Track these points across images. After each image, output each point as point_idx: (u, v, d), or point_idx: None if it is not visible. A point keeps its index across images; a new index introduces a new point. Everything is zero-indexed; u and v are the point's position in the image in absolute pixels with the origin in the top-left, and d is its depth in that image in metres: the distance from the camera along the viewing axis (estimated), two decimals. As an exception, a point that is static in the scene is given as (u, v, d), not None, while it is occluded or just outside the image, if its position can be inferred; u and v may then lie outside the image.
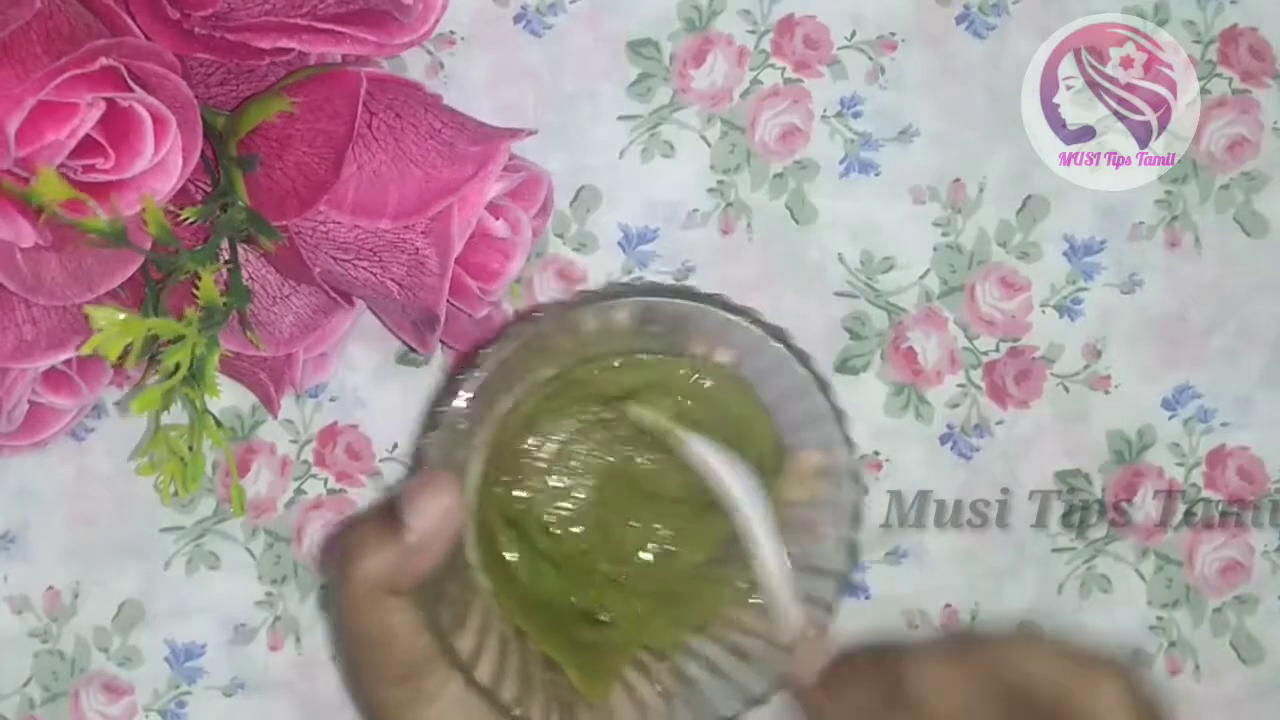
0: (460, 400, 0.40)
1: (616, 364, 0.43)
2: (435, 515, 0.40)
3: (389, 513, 0.40)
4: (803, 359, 0.41)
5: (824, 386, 0.41)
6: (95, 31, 0.45)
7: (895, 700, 0.39)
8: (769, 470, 0.43)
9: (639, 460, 0.44)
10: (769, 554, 0.42)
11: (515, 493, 0.44)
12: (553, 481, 0.44)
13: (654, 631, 0.44)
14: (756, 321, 0.41)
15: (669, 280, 0.56)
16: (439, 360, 0.56)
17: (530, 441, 0.44)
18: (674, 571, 0.44)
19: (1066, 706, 0.36)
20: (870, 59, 0.57)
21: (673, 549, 0.44)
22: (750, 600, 0.43)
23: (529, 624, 0.43)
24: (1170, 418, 0.58)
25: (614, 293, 0.41)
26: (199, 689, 0.56)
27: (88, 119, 0.44)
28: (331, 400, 0.56)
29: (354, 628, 0.41)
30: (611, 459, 0.44)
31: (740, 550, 0.43)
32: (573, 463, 0.44)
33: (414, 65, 0.55)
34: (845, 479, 0.42)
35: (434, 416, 0.41)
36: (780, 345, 0.41)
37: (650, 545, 0.44)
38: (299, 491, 0.56)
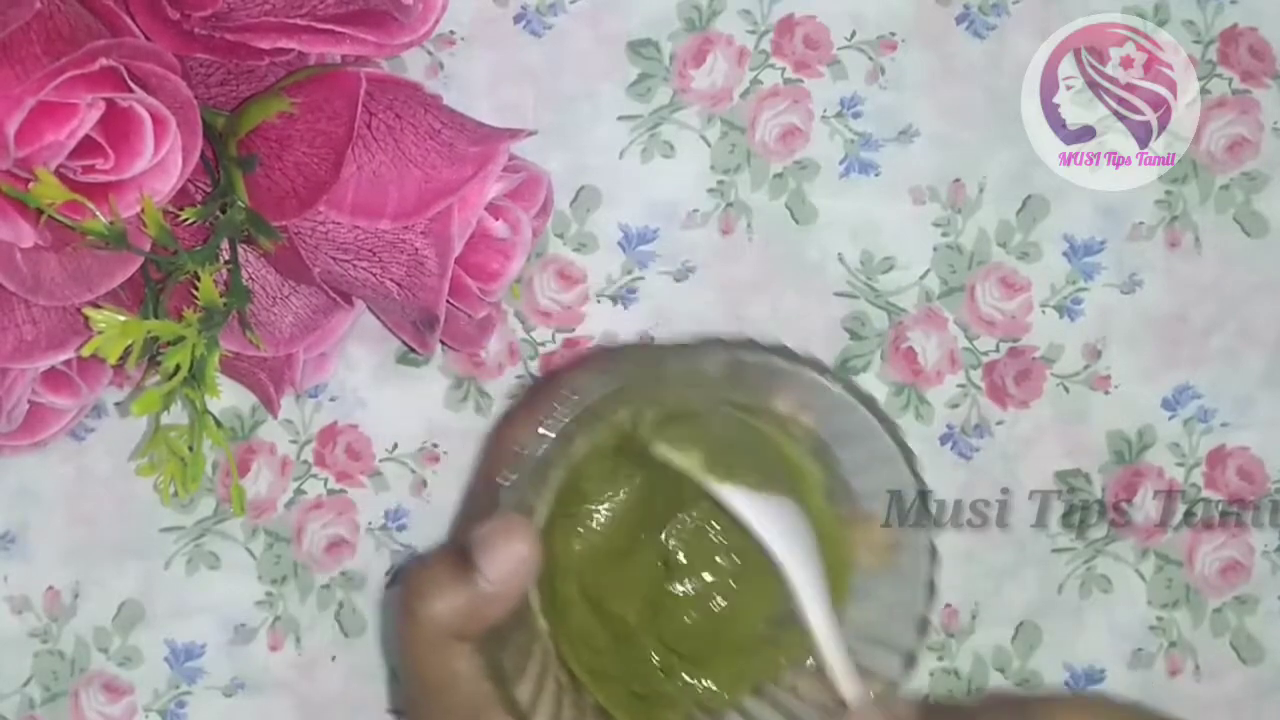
0: (544, 441, 0.39)
1: (691, 415, 0.42)
2: (510, 563, 0.38)
3: (461, 555, 0.39)
4: (891, 429, 0.40)
5: (909, 457, 0.40)
6: (95, 32, 0.45)
7: None
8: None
9: (688, 516, 0.43)
10: (817, 615, 0.40)
11: (575, 541, 0.43)
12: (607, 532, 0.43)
13: (708, 690, 0.43)
14: (850, 389, 0.40)
15: (670, 279, 0.56)
16: (439, 360, 0.56)
17: (592, 489, 0.43)
18: (731, 631, 0.43)
19: None
20: (870, 59, 0.57)
21: (730, 609, 0.43)
22: (806, 665, 0.42)
23: (584, 670, 0.42)
24: (1170, 418, 0.58)
25: (704, 343, 0.39)
26: (199, 689, 0.56)
27: (87, 119, 0.44)
28: (331, 400, 0.56)
29: (416, 670, 0.40)
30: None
31: (798, 614, 0.41)
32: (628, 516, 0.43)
33: (414, 65, 0.55)
34: (922, 552, 0.40)
35: (512, 456, 0.39)
36: (869, 414, 0.40)
37: (705, 605, 0.43)
38: (299, 491, 0.56)
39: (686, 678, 0.43)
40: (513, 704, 0.39)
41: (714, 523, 0.43)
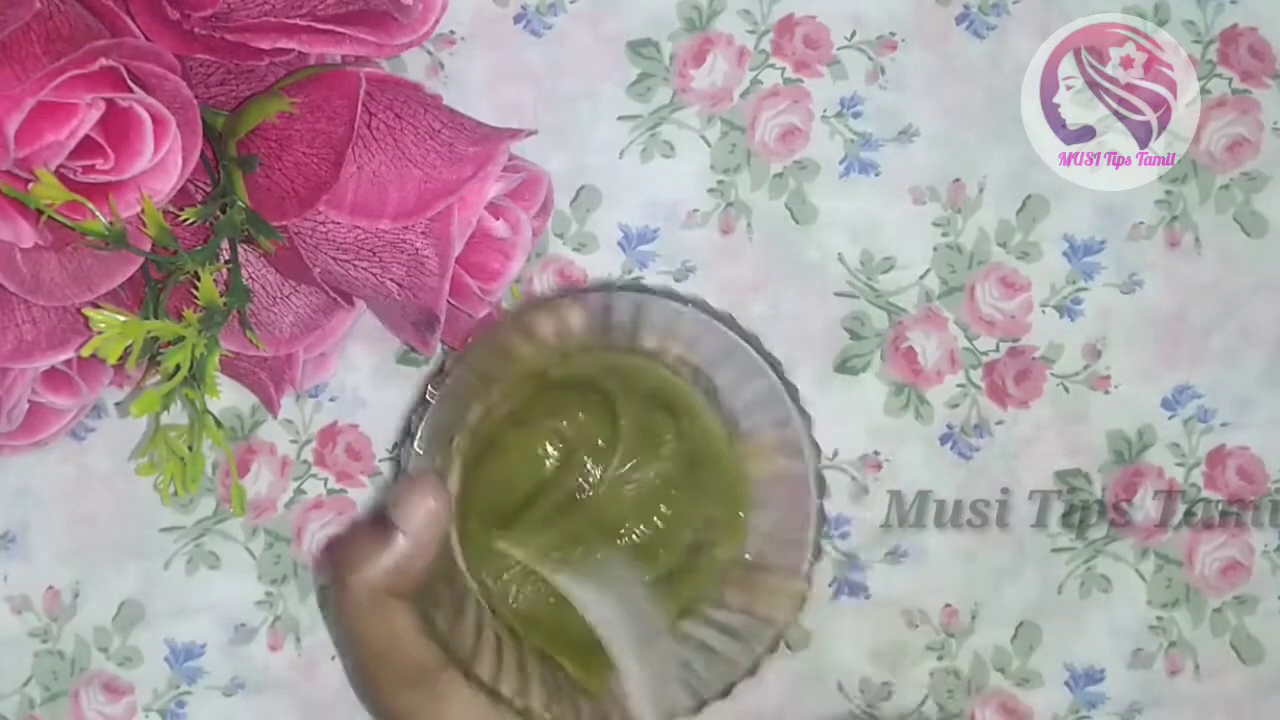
0: (431, 408, 0.42)
1: (573, 364, 0.45)
2: (422, 515, 0.41)
3: (378, 519, 0.41)
4: (753, 343, 0.43)
5: (775, 365, 0.43)
6: (95, 32, 0.45)
7: None
8: (722, 460, 0.45)
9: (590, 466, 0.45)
10: (632, 672, 0.43)
11: (490, 498, 0.45)
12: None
13: None
14: (706, 309, 0.43)
15: (669, 281, 0.56)
16: (439, 360, 0.56)
17: (497, 450, 0.45)
18: (649, 564, 0.45)
19: None
20: (870, 59, 0.57)
21: (650, 541, 0.45)
22: (733, 575, 0.44)
23: (520, 622, 0.44)
24: (1170, 418, 0.58)
25: (566, 294, 0.43)
26: (199, 689, 0.56)
27: (87, 120, 0.44)
28: (331, 400, 0.56)
29: (360, 637, 0.41)
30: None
31: (718, 530, 0.45)
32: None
33: (414, 65, 0.56)
34: (805, 449, 0.43)
35: (410, 424, 0.42)
36: (729, 331, 0.43)
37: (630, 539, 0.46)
38: (299, 491, 0.56)
39: None
40: (453, 654, 0.41)
41: (612, 469, 0.45)
